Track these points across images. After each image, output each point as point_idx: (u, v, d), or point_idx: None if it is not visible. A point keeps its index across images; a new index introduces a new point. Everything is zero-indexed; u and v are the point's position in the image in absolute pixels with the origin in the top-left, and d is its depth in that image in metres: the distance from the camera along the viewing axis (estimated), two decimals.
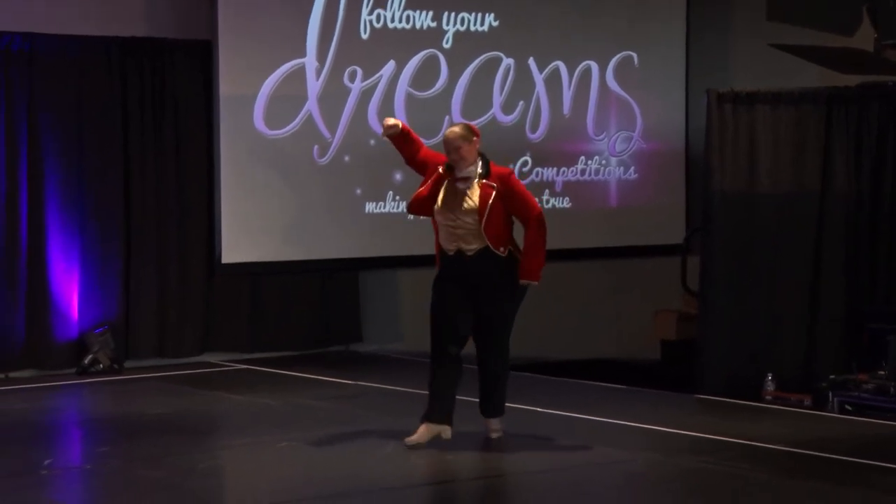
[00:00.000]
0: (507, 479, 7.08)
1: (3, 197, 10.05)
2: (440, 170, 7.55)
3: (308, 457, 7.38)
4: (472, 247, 7.50)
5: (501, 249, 7.49)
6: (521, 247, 7.55)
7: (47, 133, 10.18)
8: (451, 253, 7.56)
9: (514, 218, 7.56)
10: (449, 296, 7.57)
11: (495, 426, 7.78)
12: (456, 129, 7.59)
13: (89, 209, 10.36)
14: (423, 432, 7.49)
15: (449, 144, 7.53)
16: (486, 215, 7.45)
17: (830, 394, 9.80)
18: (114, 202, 10.45)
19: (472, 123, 7.87)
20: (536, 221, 7.52)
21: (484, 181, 7.52)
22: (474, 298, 7.54)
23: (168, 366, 10.55)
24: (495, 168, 7.56)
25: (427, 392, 7.63)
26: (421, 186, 7.63)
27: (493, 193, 7.46)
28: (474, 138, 7.53)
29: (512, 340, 7.30)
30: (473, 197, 7.50)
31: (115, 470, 7.34)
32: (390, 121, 7.73)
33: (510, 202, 7.52)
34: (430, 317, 7.68)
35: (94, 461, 7.77)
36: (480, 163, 7.54)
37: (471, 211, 7.49)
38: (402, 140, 7.72)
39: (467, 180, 7.52)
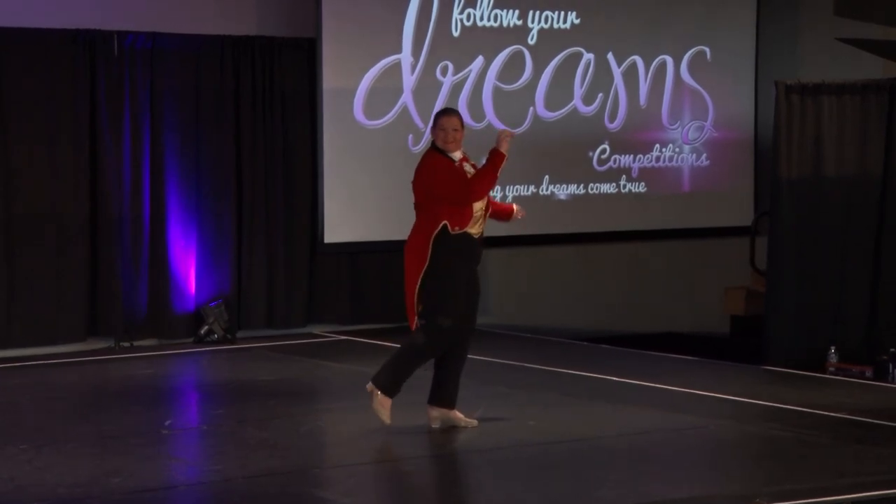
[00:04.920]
0: (587, 443, 7.01)
1: (128, 182, 10.15)
2: (456, 164, 7.01)
3: (402, 421, 7.36)
4: (483, 227, 7.13)
5: None
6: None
7: (167, 123, 10.25)
8: (477, 236, 7.07)
9: None
10: (464, 283, 6.99)
11: (463, 413, 7.20)
12: (451, 109, 7.19)
13: (205, 193, 10.42)
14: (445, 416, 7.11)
15: (454, 124, 7.01)
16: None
17: (890, 365, 9.64)
18: (227, 187, 10.50)
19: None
20: None
21: (472, 161, 7.13)
22: (471, 282, 7.06)
23: (276, 336, 10.59)
24: None
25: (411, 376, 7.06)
26: (457, 188, 6.95)
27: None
28: None
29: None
30: None
31: (227, 430, 7.37)
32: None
33: None
34: (456, 301, 6.95)
35: (208, 422, 7.82)
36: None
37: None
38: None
39: (465, 161, 7.09)
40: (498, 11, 11.14)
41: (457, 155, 7.08)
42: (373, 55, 10.68)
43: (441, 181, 6.99)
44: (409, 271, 7.04)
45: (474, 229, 7.07)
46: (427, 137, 10.78)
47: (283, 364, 9.47)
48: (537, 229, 11.34)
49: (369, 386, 7.10)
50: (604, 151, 11.68)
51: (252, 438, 7.10)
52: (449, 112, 7.21)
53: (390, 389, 7.07)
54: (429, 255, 6.96)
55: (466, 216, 7.00)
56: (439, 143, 7.09)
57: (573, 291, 11.69)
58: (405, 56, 10.79)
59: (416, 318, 7.03)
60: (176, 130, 10.27)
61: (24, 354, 9.72)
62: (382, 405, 7.06)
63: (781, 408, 7.84)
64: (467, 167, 7.09)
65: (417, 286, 6.99)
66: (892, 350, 9.73)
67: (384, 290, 11.06)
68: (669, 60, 11.85)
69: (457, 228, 6.97)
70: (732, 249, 12.09)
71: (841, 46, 10.37)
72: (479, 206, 7.09)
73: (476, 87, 11.08)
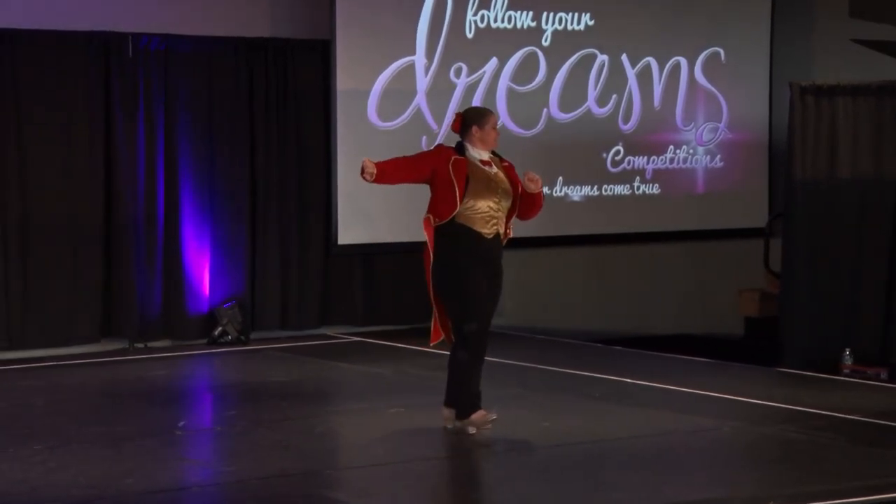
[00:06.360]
0: (601, 445, 7.00)
1: (142, 183, 10.16)
2: (455, 158, 6.93)
3: (416, 422, 7.35)
4: (500, 229, 7.00)
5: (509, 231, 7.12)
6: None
7: (181, 124, 10.27)
8: (490, 236, 6.96)
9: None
10: (481, 281, 6.94)
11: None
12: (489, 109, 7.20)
13: (219, 194, 10.43)
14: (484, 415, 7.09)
15: (493, 122, 7.04)
16: (518, 197, 7.03)
17: None
18: (241, 188, 10.51)
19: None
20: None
21: (505, 164, 7.08)
22: (489, 283, 7.03)
23: (289, 337, 10.59)
24: None
25: (454, 379, 7.09)
26: (438, 191, 6.91)
27: (514, 175, 7.06)
28: None
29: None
30: (503, 179, 7.00)
31: (241, 432, 7.37)
32: (367, 168, 6.88)
33: (518, 180, 7.09)
34: (469, 301, 6.90)
35: (222, 423, 7.82)
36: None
37: (508, 193, 6.99)
38: (388, 176, 6.98)
39: (491, 164, 7.01)
40: (512, 13, 11.13)
41: (485, 155, 7.03)
42: (386, 57, 10.68)
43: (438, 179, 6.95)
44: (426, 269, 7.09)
45: (486, 229, 6.98)
46: (442, 138, 10.82)
47: (296, 365, 9.47)
48: (551, 231, 11.32)
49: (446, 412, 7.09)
50: (618, 153, 11.66)
51: (265, 440, 7.10)
52: (486, 109, 7.20)
53: (465, 407, 7.01)
54: (432, 250, 6.96)
55: (445, 209, 6.91)
56: (486, 146, 6.98)
57: (587, 293, 11.68)
58: (419, 58, 10.79)
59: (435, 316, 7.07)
60: (190, 132, 10.29)
61: (39, 356, 9.74)
62: (477, 421, 7.00)
63: (796, 410, 7.82)
64: (489, 168, 6.99)
65: (431, 284, 7.03)
66: None
67: (397, 291, 11.06)
68: (683, 62, 11.83)
69: (436, 220, 6.96)
70: (746, 251, 12.06)
71: (856, 48, 10.35)
72: (490, 206, 6.93)
73: (490, 88, 11.07)
